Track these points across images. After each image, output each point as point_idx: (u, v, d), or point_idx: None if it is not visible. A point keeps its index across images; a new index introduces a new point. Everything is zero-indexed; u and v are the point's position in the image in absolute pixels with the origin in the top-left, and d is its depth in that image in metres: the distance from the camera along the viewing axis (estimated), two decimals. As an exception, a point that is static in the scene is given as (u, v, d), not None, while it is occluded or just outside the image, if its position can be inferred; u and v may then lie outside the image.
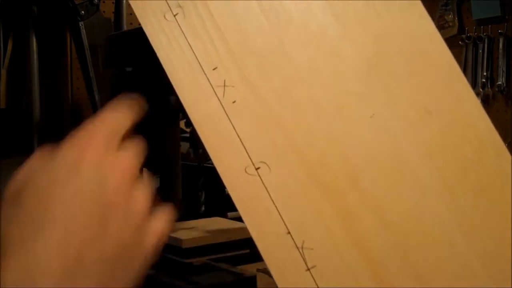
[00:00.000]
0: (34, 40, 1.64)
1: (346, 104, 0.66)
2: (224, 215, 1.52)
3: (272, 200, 0.63)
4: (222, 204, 1.63)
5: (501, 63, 2.45)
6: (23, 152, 1.65)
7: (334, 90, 0.67)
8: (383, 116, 0.66)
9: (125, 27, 1.69)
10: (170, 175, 1.40)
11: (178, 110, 1.38)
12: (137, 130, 1.43)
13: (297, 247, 0.62)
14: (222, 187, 1.68)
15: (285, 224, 0.63)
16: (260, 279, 1.34)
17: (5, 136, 1.65)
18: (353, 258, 0.62)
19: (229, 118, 0.65)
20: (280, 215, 0.63)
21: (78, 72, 1.66)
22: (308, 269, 0.62)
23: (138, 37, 1.38)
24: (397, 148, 0.66)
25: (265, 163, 0.64)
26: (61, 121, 1.72)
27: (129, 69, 1.47)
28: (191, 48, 0.66)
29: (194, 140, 1.28)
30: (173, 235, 1.24)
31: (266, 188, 0.63)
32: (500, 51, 2.43)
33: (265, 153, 0.64)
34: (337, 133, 0.66)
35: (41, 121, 1.66)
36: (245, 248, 1.27)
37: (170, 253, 1.25)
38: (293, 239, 0.62)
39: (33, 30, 1.64)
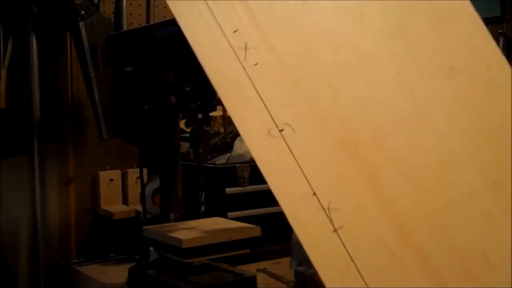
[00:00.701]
0: (34, 40, 1.64)
1: (371, 65, 0.66)
2: (224, 215, 1.52)
3: (297, 162, 0.62)
4: (222, 204, 1.63)
5: (501, 63, 2.44)
6: (23, 152, 1.66)
7: (358, 52, 0.66)
8: (408, 76, 0.66)
9: (125, 27, 1.69)
10: (170, 175, 1.40)
11: (178, 110, 1.39)
12: (138, 130, 1.43)
13: (323, 208, 0.61)
14: (222, 186, 1.67)
15: (310, 186, 0.62)
16: (260, 279, 1.34)
17: (5, 136, 1.65)
18: (380, 218, 0.62)
19: (251, 81, 0.64)
20: (305, 177, 0.62)
21: (78, 72, 1.66)
22: (335, 230, 0.61)
23: (138, 37, 1.38)
24: (422, 108, 0.65)
25: (289, 125, 0.63)
26: (61, 121, 1.72)
27: (129, 69, 1.47)
28: (211, 11, 0.66)
29: (194, 140, 1.28)
30: (173, 235, 1.23)
31: (290, 150, 0.63)
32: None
33: (289, 115, 0.64)
34: (361, 94, 0.65)
35: (41, 121, 1.66)
36: (245, 248, 1.26)
37: (170, 253, 1.25)
38: (319, 200, 0.62)
39: (33, 30, 1.64)
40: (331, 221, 0.61)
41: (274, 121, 0.63)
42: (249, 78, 0.64)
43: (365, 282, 0.60)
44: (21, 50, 1.65)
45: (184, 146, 1.44)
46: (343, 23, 0.67)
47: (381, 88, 0.66)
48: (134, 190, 1.78)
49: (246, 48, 0.65)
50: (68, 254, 1.73)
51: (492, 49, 0.67)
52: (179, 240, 1.20)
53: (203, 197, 1.42)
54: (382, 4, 0.67)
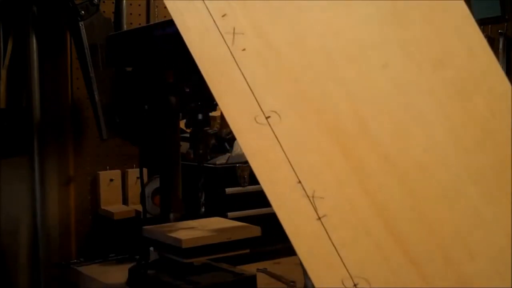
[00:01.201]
0: (34, 40, 1.64)
1: (359, 54, 0.66)
2: (224, 215, 1.52)
3: (283, 149, 0.62)
4: (222, 204, 1.63)
5: (501, 63, 2.44)
6: (23, 152, 1.66)
7: (347, 40, 0.66)
8: (396, 66, 0.66)
9: (125, 27, 1.69)
10: (170, 175, 1.40)
11: (178, 110, 1.39)
12: (138, 130, 1.43)
13: (308, 196, 0.62)
14: (222, 187, 1.66)
15: (295, 174, 0.62)
16: (260, 279, 1.34)
17: (5, 136, 1.65)
18: (364, 207, 0.62)
19: (238, 66, 0.64)
20: (291, 164, 0.62)
21: (78, 72, 1.66)
22: (319, 218, 0.61)
23: (138, 37, 1.38)
24: (409, 98, 0.65)
25: (275, 112, 0.63)
26: (61, 121, 1.72)
27: (129, 69, 1.47)
28: None
29: (194, 140, 1.28)
30: (173, 235, 1.24)
31: (276, 137, 0.63)
32: (500, 51, 2.43)
33: (276, 102, 0.64)
34: (349, 83, 0.65)
35: (41, 121, 1.66)
36: (245, 248, 1.26)
37: (170, 253, 1.25)
38: (303, 188, 0.62)
39: (33, 30, 1.64)
40: (315, 209, 0.61)
41: (260, 107, 0.64)
42: (236, 63, 0.64)
43: (347, 270, 0.60)
44: (21, 50, 1.65)
45: (184, 146, 1.44)
46: (332, 10, 0.67)
47: (370, 77, 0.66)
48: (134, 190, 1.78)
49: (234, 33, 0.65)
50: (68, 254, 1.73)
51: (480, 43, 0.68)
52: (179, 240, 1.20)
53: (203, 197, 1.42)
54: None
